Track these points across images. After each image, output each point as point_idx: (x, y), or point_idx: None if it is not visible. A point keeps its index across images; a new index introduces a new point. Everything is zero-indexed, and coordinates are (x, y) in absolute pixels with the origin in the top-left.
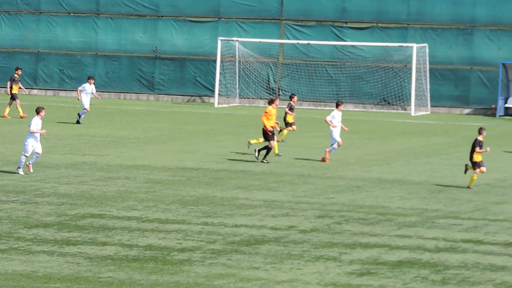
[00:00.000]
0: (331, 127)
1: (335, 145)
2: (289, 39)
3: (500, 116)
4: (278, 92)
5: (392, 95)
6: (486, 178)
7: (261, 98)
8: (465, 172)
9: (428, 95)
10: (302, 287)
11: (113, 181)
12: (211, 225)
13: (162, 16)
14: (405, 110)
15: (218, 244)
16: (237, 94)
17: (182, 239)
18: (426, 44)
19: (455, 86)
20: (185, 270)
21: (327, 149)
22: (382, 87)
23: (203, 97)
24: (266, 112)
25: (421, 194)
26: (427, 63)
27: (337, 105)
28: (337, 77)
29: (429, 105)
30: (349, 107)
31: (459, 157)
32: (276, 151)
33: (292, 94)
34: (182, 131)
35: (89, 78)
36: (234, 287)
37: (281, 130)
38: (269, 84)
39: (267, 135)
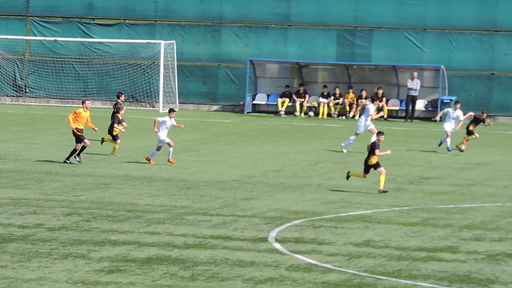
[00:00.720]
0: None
1: (170, 148)
2: (35, 35)
3: (248, 112)
4: (25, 89)
5: (140, 91)
6: (234, 174)
7: (7, 96)
8: (347, 178)
9: (176, 91)
10: (51, 285)
11: None
12: None
13: None
14: (154, 107)
15: None
16: None
17: None
18: (173, 41)
19: (203, 82)
20: None
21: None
22: (131, 83)
23: None
24: (75, 113)
25: (170, 190)
26: (175, 59)
27: (170, 111)
28: (85, 74)
29: (177, 102)
30: (97, 104)
31: (207, 153)
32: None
33: (120, 92)
34: None
35: None
36: None
37: (103, 140)
38: (15, 81)
39: (78, 137)
